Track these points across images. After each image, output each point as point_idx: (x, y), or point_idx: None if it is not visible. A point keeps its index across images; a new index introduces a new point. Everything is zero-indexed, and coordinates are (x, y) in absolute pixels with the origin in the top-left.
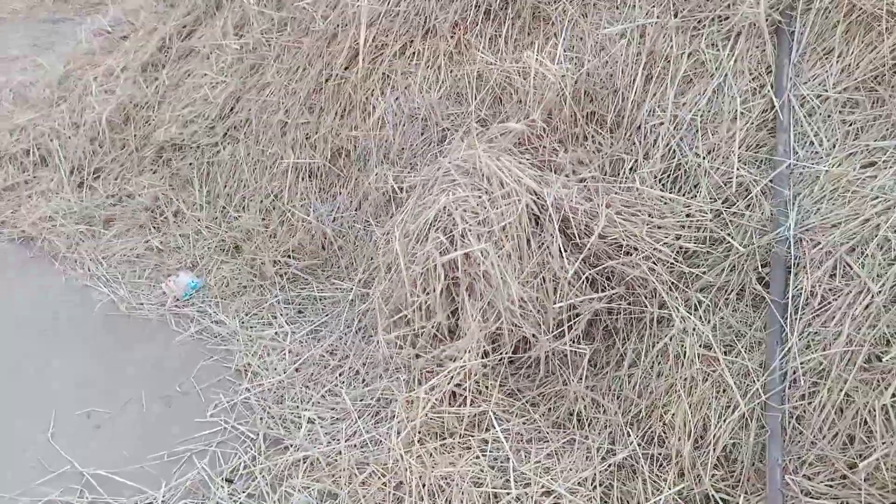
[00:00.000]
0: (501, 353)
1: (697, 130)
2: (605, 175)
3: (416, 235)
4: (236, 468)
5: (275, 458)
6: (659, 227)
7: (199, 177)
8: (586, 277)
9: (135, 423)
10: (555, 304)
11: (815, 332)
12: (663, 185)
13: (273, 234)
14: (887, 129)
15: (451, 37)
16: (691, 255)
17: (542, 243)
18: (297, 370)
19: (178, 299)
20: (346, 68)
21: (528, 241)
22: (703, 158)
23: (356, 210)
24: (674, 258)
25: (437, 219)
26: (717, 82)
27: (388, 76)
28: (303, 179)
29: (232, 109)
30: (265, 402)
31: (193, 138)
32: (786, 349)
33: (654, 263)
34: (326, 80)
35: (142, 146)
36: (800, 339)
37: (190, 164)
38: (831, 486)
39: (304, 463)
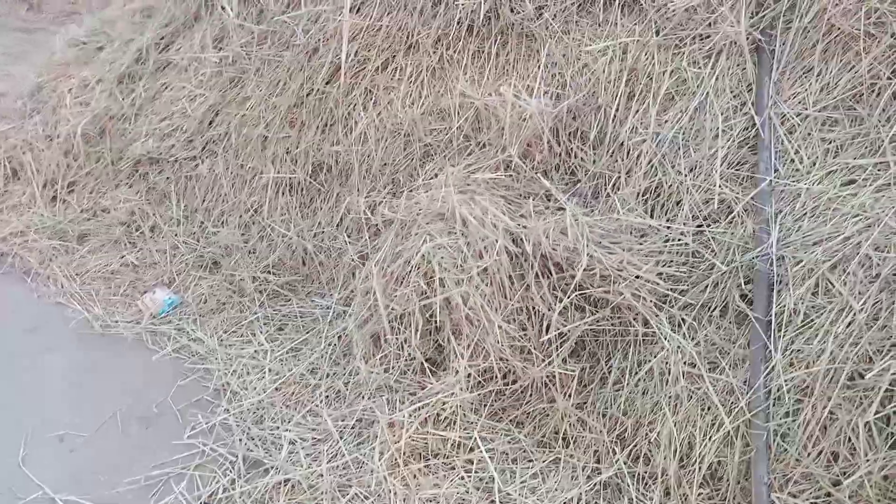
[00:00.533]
0: (491, 387)
1: (679, 148)
2: (588, 194)
3: (395, 277)
4: (214, 493)
5: (255, 482)
6: (640, 252)
7: (176, 191)
8: (570, 302)
9: (110, 446)
10: (540, 338)
11: (799, 350)
12: (646, 202)
13: (252, 250)
14: (866, 148)
15: (434, 52)
16: (673, 274)
17: (524, 277)
18: (277, 389)
19: (154, 316)
20: (327, 83)
21: (511, 277)
22: (686, 176)
23: (337, 226)
24: (656, 283)
25: (418, 265)
26: (698, 100)
27: (370, 91)
28: (283, 194)
29: (210, 123)
30: (244, 423)
31: (171, 152)
32: (770, 367)
33: (637, 289)
34: (307, 95)
35: (117, 160)
36: (783, 357)
37: (167, 178)
38: None
39: (285, 486)
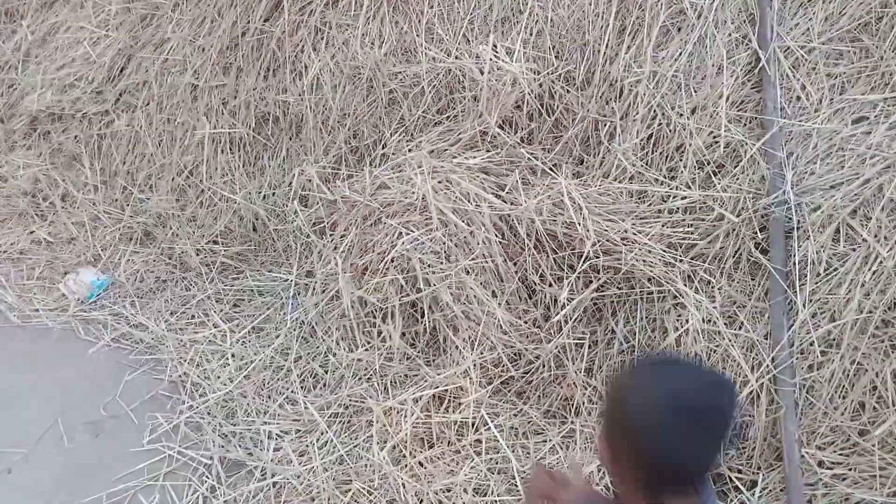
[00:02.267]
0: (501, 375)
1: (680, 87)
2: (577, 147)
3: (364, 268)
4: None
5: (240, 487)
6: (643, 215)
7: (88, 152)
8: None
9: (56, 461)
10: (547, 316)
11: (823, 301)
12: (643, 149)
13: (192, 218)
14: (875, 82)
15: None
16: (682, 235)
17: (520, 254)
18: (246, 377)
19: (82, 302)
20: (266, 20)
21: (505, 260)
22: (688, 118)
23: (289, 185)
24: (663, 251)
25: (393, 260)
26: (697, 34)
27: (319, 29)
28: (223, 152)
29: (122, 70)
30: (215, 420)
31: (76, 106)
32: (792, 319)
33: (645, 258)
34: (243, 35)
35: (8, 117)
36: (805, 308)
37: (75, 137)
38: (844, 455)
39: (275, 488)
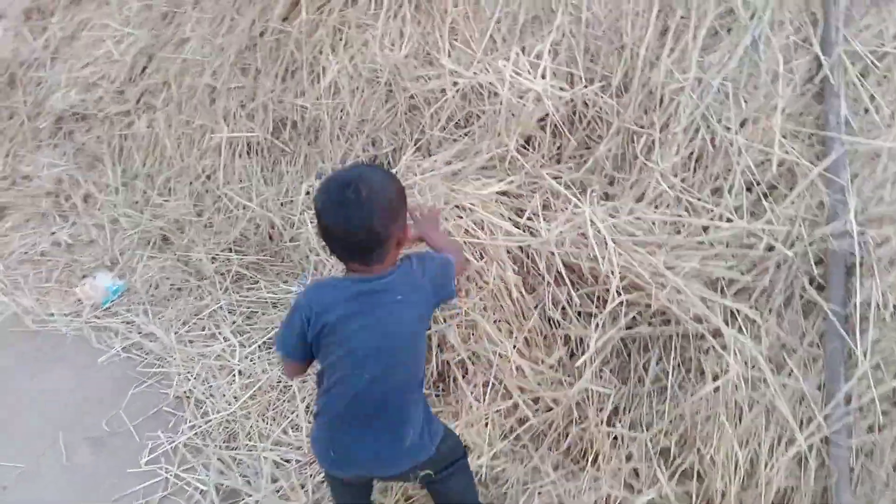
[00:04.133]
0: (519, 425)
1: (728, 97)
2: (608, 163)
3: None
4: None
5: None
6: (680, 248)
7: (109, 153)
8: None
9: (55, 479)
10: (573, 359)
11: (889, 351)
12: (685, 165)
13: (209, 224)
14: None
15: None
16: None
17: (537, 290)
18: (252, 398)
19: (97, 308)
20: (284, 19)
21: (522, 294)
22: (736, 133)
23: (307, 194)
24: (699, 287)
25: None
26: (750, 36)
27: (338, 29)
28: (240, 156)
29: (144, 70)
30: (214, 442)
31: (99, 105)
32: (851, 370)
33: (681, 298)
34: (261, 35)
35: (35, 115)
36: (868, 358)
37: (97, 137)
38: None
39: None
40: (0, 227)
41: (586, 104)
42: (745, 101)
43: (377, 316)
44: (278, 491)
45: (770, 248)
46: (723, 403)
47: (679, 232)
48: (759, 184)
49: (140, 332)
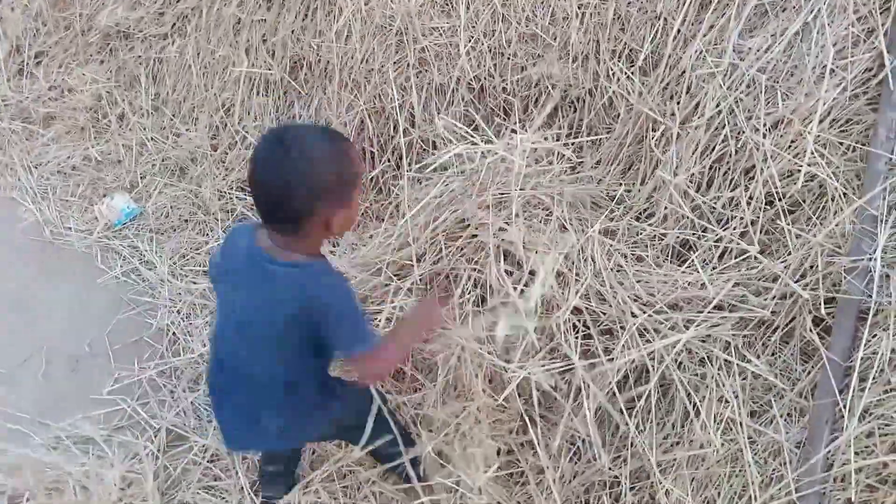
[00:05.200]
0: None
1: (763, 91)
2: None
3: None
4: (132, 467)
5: (177, 459)
6: (681, 286)
7: (146, 74)
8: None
9: (25, 389)
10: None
11: (886, 420)
12: (703, 162)
13: (222, 159)
14: None
15: None
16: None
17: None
18: None
19: (109, 227)
20: None
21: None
22: (765, 135)
23: None
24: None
25: None
26: (802, 20)
27: None
28: (258, 93)
29: None
30: (179, 382)
31: (140, 25)
32: (838, 433)
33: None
34: None
35: (87, 29)
36: (860, 423)
37: (137, 57)
38: None
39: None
40: (42, 137)
41: (609, 77)
42: (784, 99)
43: (258, 292)
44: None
45: (775, 279)
46: (686, 440)
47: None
48: (781, 198)
49: (141, 259)
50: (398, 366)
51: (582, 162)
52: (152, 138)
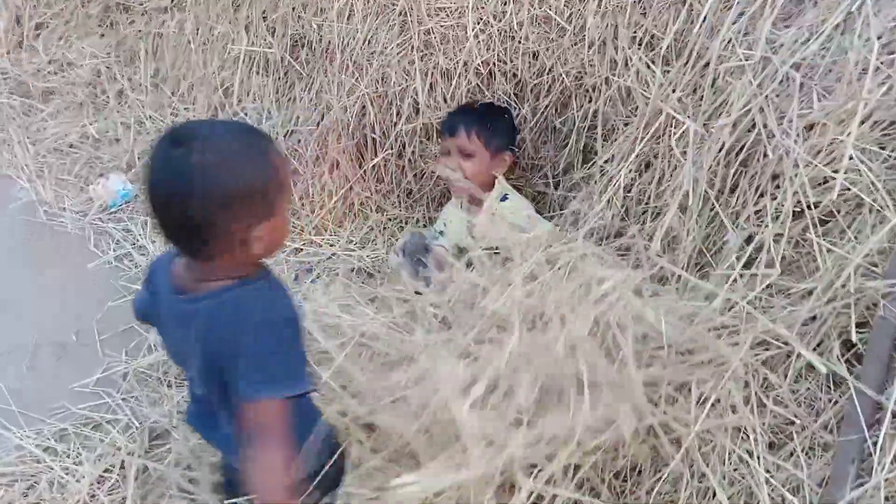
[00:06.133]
0: None
1: (797, 88)
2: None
3: None
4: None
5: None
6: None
7: (145, 49)
8: None
9: (10, 379)
10: None
11: None
12: (726, 167)
13: None
14: None
15: None
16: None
17: None
18: None
19: (103, 209)
20: None
21: None
22: (799, 139)
23: (316, 126)
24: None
25: None
26: (844, 11)
27: None
28: (257, 73)
29: None
30: (166, 375)
31: None
32: (864, 474)
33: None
34: None
35: (87, 0)
36: (888, 465)
37: (138, 31)
38: None
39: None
40: (41, 112)
41: (628, 64)
42: (820, 98)
43: (179, 341)
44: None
45: (809, 293)
46: (686, 464)
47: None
48: (812, 207)
49: (134, 244)
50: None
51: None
52: (151, 116)
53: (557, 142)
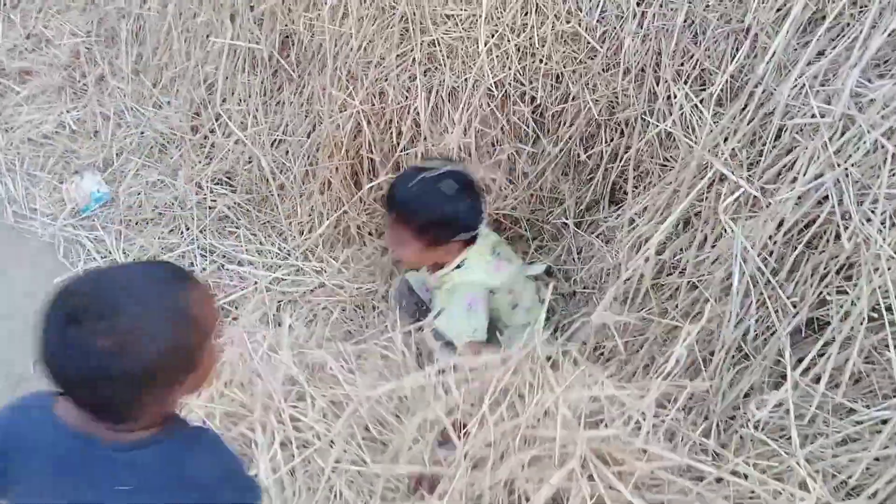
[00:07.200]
0: None
1: (886, 161)
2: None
3: None
4: None
5: None
6: None
7: (128, 29)
8: None
9: None
10: None
11: None
12: (786, 242)
13: (202, 144)
14: None
15: None
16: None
17: None
18: None
19: (76, 213)
20: None
21: None
22: (880, 230)
23: (306, 136)
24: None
25: None
26: None
27: None
28: (243, 70)
29: None
30: None
31: None
32: None
33: None
34: None
35: None
36: None
37: (120, 9)
38: None
39: None
40: (16, 95)
41: (670, 100)
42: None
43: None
44: None
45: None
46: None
47: None
48: (893, 311)
49: (105, 256)
50: None
51: None
52: (131, 108)
53: (582, 176)
